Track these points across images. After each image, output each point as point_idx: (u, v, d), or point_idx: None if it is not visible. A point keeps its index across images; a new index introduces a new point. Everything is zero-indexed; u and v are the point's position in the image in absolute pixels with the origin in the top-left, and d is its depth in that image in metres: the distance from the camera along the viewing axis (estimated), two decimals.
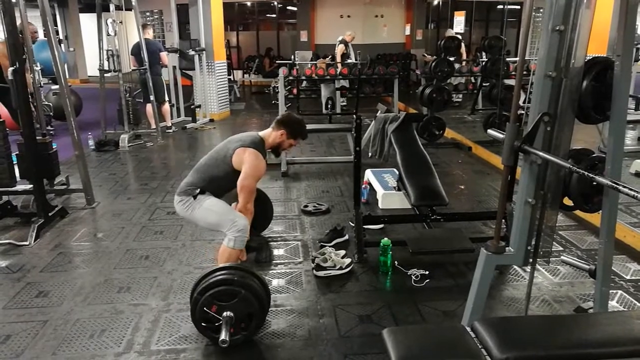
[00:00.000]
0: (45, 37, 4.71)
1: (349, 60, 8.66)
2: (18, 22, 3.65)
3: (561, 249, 3.35)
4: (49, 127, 6.30)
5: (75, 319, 2.56)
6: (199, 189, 2.77)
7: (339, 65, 8.03)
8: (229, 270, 2.33)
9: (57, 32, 13.20)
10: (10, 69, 3.49)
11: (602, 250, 1.93)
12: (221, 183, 2.83)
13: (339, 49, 8.94)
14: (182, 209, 2.81)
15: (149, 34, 7.05)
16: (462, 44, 8.08)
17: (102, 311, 2.63)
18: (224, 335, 2.15)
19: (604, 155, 1.85)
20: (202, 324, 2.27)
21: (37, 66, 4.93)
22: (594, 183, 1.80)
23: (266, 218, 3.55)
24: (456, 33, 7.96)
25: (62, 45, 13.74)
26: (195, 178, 2.84)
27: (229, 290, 2.24)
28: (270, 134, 2.91)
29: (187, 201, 2.77)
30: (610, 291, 2.45)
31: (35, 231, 3.52)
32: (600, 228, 1.93)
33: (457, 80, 8.57)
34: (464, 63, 8.20)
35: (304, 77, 7.91)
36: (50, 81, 6.98)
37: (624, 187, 1.47)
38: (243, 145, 2.77)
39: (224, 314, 2.22)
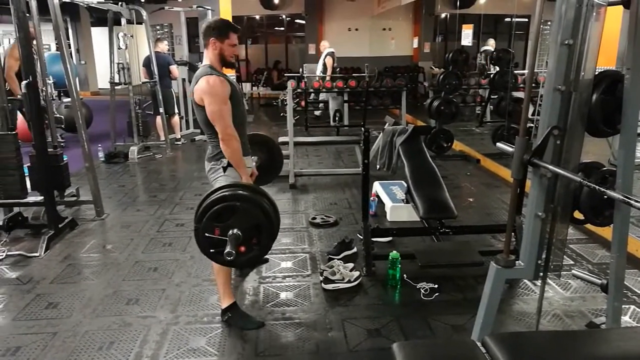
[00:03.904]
0: (57, 50, 4.78)
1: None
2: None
3: (572, 263, 3.31)
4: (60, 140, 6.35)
5: (84, 330, 2.56)
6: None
7: (328, 77, 7.96)
8: (220, 190, 2.23)
9: (69, 46, 13.43)
10: (24, 82, 3.55)
11: (614, 264, 1.91)
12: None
13: (329, 62, 8.82)
14: (211, 176, 2.69)
15: (163, 47, 7.13)
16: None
17: (111, 323, 2.63)
18: (228, 248, 2.07)
19: (614, 169, 1.84)
20: (211, 250, 2.18)
21: (49, 79, 5.01)
22: (605, 197, 1.79)
23: (273, 168, 3.37)
24: (464, 46, 7.98)
25: (74, 58, 13.95)
26: (211, 139, 2.68)
27: (224, 207, 2.14)
28: (208, 53, 2.67)
29: (217, 170, 2.64)
30: (623, 306, 2.42)
31: (45, 242, 3.55)
32: (611, 242, 1.91)
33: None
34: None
35: (312, 90, 7.95)
36: (62, 93, 7.08)
37: (636, 201, 1.46)
38: (195, 83, 2.59)
39: (229, 233, 2.13)
